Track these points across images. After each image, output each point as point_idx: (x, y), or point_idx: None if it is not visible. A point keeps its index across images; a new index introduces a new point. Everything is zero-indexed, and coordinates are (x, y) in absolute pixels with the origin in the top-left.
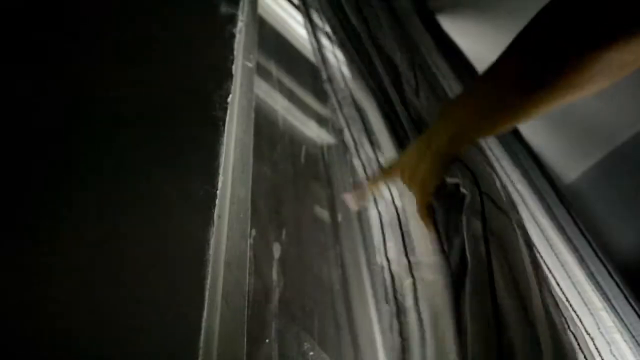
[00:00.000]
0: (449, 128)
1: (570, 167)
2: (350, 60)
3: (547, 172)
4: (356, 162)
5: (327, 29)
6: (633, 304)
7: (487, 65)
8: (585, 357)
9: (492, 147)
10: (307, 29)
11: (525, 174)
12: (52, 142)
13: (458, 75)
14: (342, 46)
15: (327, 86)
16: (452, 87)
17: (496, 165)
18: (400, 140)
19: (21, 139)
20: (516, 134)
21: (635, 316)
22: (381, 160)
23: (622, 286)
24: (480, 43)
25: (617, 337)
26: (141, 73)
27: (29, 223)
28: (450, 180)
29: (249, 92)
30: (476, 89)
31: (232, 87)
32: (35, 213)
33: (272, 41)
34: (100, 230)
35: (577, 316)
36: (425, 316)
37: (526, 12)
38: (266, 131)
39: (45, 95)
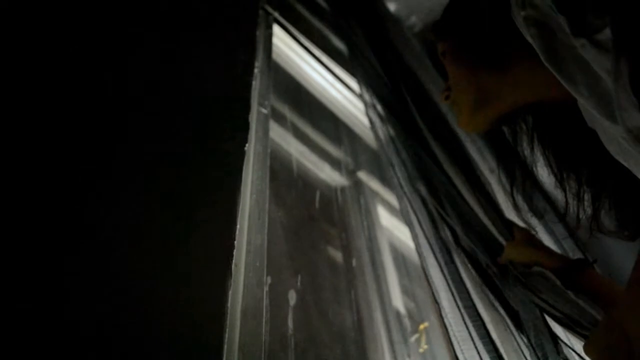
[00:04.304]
0: None
1: None
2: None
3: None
4: None
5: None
6: None
7: None
8: None
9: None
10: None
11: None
12: (73, 205)
13: None
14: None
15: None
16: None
17: None
18: None
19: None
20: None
21: None
22: None
23: None
24: None
25: None
26: (158, 122)
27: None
28: None
29: (264, 138)
30: None
31: (248, 136)
32: (59, 272)
33: (285, 85)
34: (118, 283)
35: None
36: None
37: None
38: (281, 176)
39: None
